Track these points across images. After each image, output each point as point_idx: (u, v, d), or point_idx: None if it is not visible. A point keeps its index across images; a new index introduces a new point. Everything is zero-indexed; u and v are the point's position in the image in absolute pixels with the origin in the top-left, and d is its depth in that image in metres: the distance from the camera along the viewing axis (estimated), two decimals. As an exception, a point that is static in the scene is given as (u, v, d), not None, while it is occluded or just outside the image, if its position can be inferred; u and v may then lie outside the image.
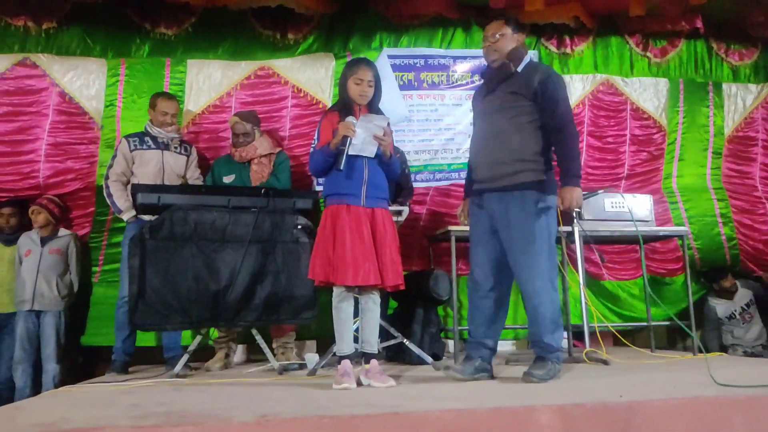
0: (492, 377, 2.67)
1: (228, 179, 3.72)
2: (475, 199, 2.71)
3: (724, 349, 4.67)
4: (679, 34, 4.88)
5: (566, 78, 4.77)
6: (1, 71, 4.00)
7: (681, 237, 4.16)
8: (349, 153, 2.58)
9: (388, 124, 2.69)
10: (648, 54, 4.89)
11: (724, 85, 5.00)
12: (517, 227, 2.52)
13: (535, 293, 2.51)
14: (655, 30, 4.80)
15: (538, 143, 2.57)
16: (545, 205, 2.55)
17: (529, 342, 2.67)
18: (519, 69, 2.61)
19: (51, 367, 3.69)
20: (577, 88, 4.76)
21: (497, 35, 2.66)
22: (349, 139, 2.57)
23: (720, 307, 4.71)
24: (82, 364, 4.16)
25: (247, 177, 3.72)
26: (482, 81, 2.81)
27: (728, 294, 4.68)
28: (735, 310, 4.67)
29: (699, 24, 4.66)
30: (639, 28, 4.81)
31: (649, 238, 4.23)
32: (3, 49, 4.04)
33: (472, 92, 4.51)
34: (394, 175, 2.83)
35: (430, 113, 4.56)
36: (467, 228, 3.75)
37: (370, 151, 2.64)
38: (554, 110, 2.54)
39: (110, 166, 3.68)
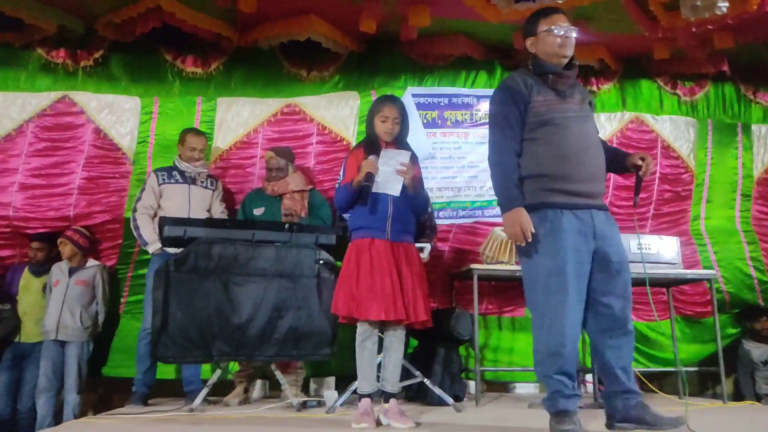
0: None
1: (258, 212, 3.77)
2: (568, 214, 2.20)
3: (758, 397, 4.48)
4: (706, 77, 4.86)
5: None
6: (42, 108, 4.16)
7: (709, 280, 4.06)
8: (373, 191, 2.60)
9: (416, 158, 2.71)
10: (677, 92, 4.86)
11: (754, 127, 4.93)
12: (623, 252, 2.26)
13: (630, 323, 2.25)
14: (681, 72, 4.79)
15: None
16: None
17: (621, 376, 2.20)
18: None
19: (72, 398, 3.70)
20: (604, 126, 4.73)
21: (573, 32, 2.26)
22: (372, 175, 2.59)
23: (756, 350, 4.52)
24: (102, 395, 4.18)
25: (278, 210, 3.76)
26: (537, 76, 2.31)
27: (764, 337, 4.51)
28: None
29: (725, 67, 4.65)
30: (665, 69, 4.81)
31: (676, 281, 4.13)
32: (44, 86, 4.20)
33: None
34: (420, 209, 2.81)
35: (453, 151, 4.59)
36: (490, 266, 3.77)
37: (395, 189, 2.64)
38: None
39: (138, 199, 3.77)
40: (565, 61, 2.29)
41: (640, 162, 2.29)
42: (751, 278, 4.64)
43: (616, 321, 2.19)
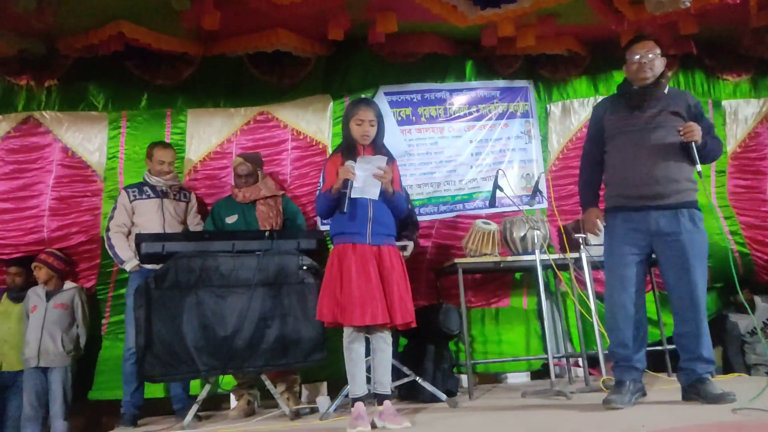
0: (645, 394, 2.68)
1: (230, 219, 3.71)
2: (622, 215, 2.65)
3: (748, 369, 4.53)
4: (674, 57, 4.91)
5: (567, 103, 4.80)
6: (7, 131, 4.07)
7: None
8: (351, 196, 2.59)
9: (394, 161, 2.72)
10: None
11: (724, 102, 4.98)
12: (692, 243, 2.54)
13: (702, 307, 2.55)
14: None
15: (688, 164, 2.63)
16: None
17: (683, 356, 2.60)
18: (666, 90, 2.70)
19: (58, 425, 3.62)
20: (578, 112, 4.76)
21: (651, 54, 2.65)
22: (350, 182, 2.57)
23: (741, 322, 4.58)
24: (90, 419, 4.09)
25: (252, 217, 3.72)
26: (618, 96, 2.78)
27: (747, 309, 4.57)
28: (757, 325, 4.55)
29: (692, 48, 4.71)
30: (632, 53, 4.85)
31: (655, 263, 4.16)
32: (8, 108, 4.11)
33: (471, 123, 4.66)
34: (399, 211, 2.79)
35: (430, 146, 4.58)
36: (474, 259, 3.77)
37: (373, 193, 2.64)
38: (711, 128, 2.68)
39: (111, 218, 3.69)
40: (648, 81, 2.66)
41: (681, 135, 2.56)
42: (731, 251, 4.69)
43: (683, 310, 2.56)
